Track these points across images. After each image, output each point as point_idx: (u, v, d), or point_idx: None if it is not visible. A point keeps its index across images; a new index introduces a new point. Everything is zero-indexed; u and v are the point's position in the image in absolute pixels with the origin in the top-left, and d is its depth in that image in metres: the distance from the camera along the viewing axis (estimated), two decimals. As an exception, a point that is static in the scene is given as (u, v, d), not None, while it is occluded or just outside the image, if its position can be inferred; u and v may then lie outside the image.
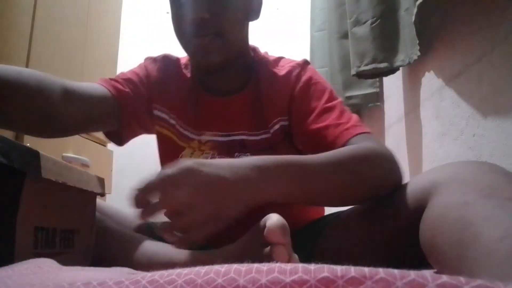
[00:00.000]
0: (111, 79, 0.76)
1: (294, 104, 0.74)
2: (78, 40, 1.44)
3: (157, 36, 2.33)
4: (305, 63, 0.78)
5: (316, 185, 0.55)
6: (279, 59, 0.80)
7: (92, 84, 0.73)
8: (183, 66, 0.81)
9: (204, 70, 0.76)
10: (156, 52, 0.84)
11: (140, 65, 0.82)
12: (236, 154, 0.74)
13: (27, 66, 1.11)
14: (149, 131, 0.83)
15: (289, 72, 0.76)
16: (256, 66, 0.79)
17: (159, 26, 2.31)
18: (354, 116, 0.70)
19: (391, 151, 0.62)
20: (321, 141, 0.67)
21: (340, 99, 0.74)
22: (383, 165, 0.60)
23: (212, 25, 0.68)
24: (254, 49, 0.82)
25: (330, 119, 0.68)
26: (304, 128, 0.70)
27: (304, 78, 0.75)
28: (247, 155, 0.72)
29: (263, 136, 0.75)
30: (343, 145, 0.64)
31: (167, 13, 0.75)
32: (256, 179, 0.51)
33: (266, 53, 0.83)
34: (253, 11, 0.76)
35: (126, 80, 0.77)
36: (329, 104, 0.71)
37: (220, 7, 0.68)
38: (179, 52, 0.80)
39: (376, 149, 0.61)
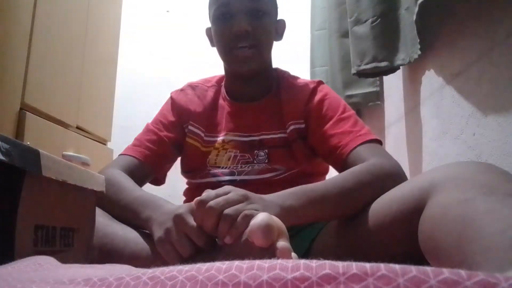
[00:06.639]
0: (135, 145, 0.88)
1: (311, 112, 0.86)
2: (78, 40, 1.44)
3: (157, 35, 2.34)
4: (321, 82, 0.92)
5: (329, 211, 0.65)
6: (297, 77, 0.96)
7: (126, 158, 0.85)
8: (208, 85, 0.97)
9: (240, 76, 0.89)
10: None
11: (166, 102, 0.97)
12: (255, 151, 0.87)
13: (27, 66, 1.11)
14: (179, 153, 0.94)
15: (306, 85, 0.91)
16: (277, 79, 0.94)
17: (159, 25, 2.31)
18: (367, 127, 0.82)
19: (396, 165, 0.71)
20: (337, 143, 0.79)
21: (353, 111, 0.86)
22: (386, 183, 0.65)
23: (252, 37, 0.83)
24: (276, 69, 0.97)
25: (345, 126, 0.81)
26: (322, 132, 0.83)
27: (320, 92, 0.88)
28: (265, 151, 0.86)
29: (280, 135, 0.88)
30: (355, 148, 0.76)
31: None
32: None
33: (287, 72, 0.98)
34: (279, 34, 0.93)
35: (153, 130, 0.90)
36: (344, 115, 0.83)
37: (259, 25, 0.84)
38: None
39: (381, 167, 0.69)
